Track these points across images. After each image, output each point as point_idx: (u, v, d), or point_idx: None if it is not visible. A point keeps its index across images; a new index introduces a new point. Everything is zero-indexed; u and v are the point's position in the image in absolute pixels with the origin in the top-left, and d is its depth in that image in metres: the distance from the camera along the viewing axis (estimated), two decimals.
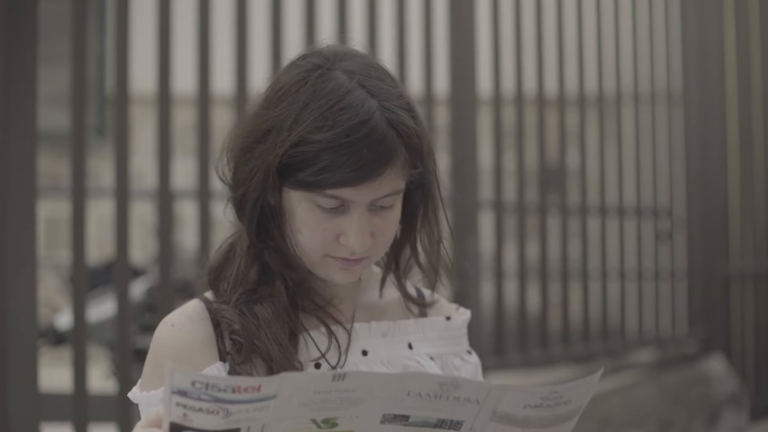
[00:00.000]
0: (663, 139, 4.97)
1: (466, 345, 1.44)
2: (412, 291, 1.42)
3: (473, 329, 3.80)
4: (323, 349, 1.28)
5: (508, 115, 4.07)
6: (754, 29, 5.42)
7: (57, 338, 5.20)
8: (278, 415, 1.03)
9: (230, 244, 1.33)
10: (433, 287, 1.41)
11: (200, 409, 1.00)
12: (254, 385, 1.00)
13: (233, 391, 0.99)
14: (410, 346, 1.36)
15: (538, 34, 4.18)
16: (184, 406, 1.00)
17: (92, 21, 6.74)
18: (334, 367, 1.27)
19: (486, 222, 3.87)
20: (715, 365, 4.94)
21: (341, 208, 1.23)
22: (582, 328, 4.35)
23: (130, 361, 2.57)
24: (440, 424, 1.08)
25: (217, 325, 1.28)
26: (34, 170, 2.24)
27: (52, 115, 5.37)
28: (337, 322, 1.31)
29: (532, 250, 4.16)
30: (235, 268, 1.30)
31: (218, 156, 1.31)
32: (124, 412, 2.53)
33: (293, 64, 1.28)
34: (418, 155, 1.26)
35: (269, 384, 1.00)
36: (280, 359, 1.23)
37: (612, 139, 4.69)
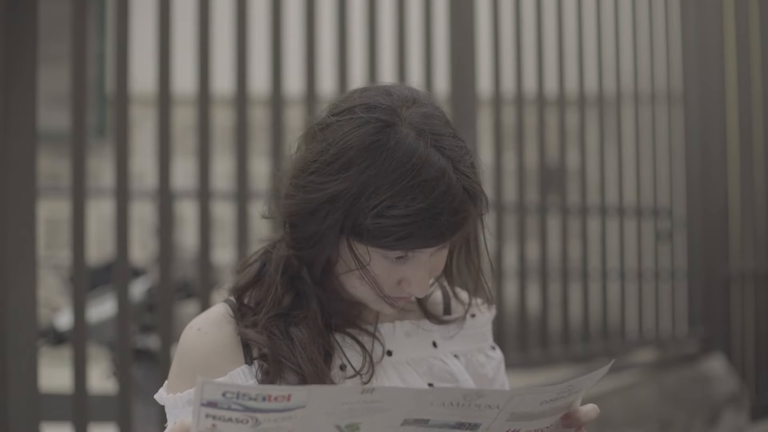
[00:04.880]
0: (663, 139, 4.97)
1: (490, 341, 1.45)
2: (437, 299, 1.42)
3: None
4: (357, 362, 1.30)
5: (508, 115, 4.07)
6: (754, 29, 5.41)
7: (57, 338, 5.20)
8: (305, 424, 1.05)
9: (262, 264, 1.33)
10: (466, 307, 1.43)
11: (230, 419, 1.02)
12: (284, 394, 1.01)
13: (264, 399, 1.01)
14: (434, 345, 1.37)
15: (538, 34, 4.18)
16: (214, 417, 1.02)
17: (92, 21, 6.74)
18: (362, 376, 1.29)
19: (486, 222, 3.87)
20: (715, 365, 4.94)
21: (404, 257, 1.24)
22: (582, 328, 4.35)
23: (130, 361, 2.57)
24: (459, 426, 1.11)
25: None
26: (34, 170, 2.24)
27: (52, 115, 5.37)
28: (364, 330, 1.33)
29: (532, 250, 4.15)
30: (269, 291, 1.31)
31: (272, 199, 1.32)
32: (124, 412, 2.53)
33: (356, 117, 1.24)
34: (482, 209, 1.28)
35: (299, 394, 1.02)
36: (314, 379, 1.25)
37: (612, 139, 4.69)
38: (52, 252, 6.42)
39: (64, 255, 5.68)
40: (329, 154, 1.23)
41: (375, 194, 1.19)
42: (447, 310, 1.42)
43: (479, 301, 1.45)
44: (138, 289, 4.72)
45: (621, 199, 4.69)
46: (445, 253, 1.29)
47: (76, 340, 2.46)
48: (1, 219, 2.18)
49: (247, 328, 1.29)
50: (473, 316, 1.43)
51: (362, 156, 1.21)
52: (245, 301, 1.32)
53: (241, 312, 1.31)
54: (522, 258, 4.04)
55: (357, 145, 1.22)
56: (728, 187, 5.28)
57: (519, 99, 4.08)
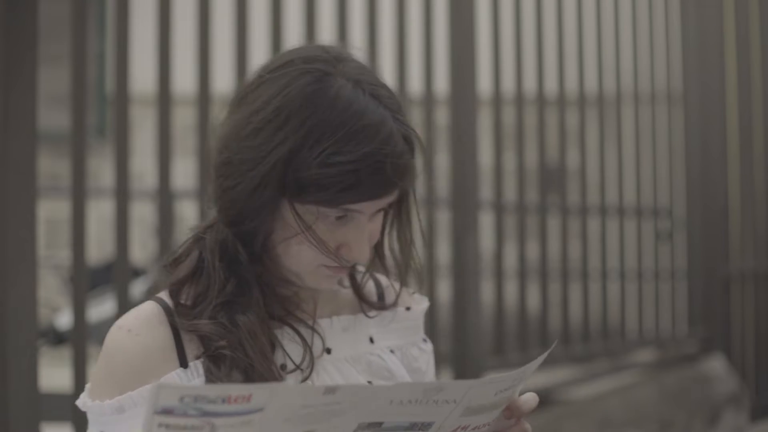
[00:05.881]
0: (663, 139, 4.98)
1: (422, 333, 1.43)
2: (371, 289, 1.40)
3: (473, 329, 3.79)
4: (296, 356, 1.26)
5: (508, 115, 4.07)
6: (754, 29, 5.42)
7: (57, 338, 5.21)
8: (262, 431, 1.00)
9: (198, 255, 1.27)
10: (400, 285, 1.40)
11: (184, 427, 0.96)
12: (245, 394, 0.97)
13: (223, 401, 0.96)
14: (371, 340, 1.35)
15: (538, 34, 4.18)
16: (167, 426, 0.96)
17: (92, 21, 6.74)
18: (303, 371, 1.25)
19: (486, 222, 3.87)
20: (715, 365, 4.94)
21: (344, 219, 1.22)
22: (582, 328, 4.35)
23: None
24: (411, 427, 1.09)
25: (176, 328, 1.23)
26: (34, 170, 2.24)
27: (52, 115, 5.37)
28: (303, 322, 1.29)
29: (532, 250, 4.15)
30: (210, 280, 1.24)
31: (212, 171, 1.26)
32: None
33: (294, 68, 1.22)
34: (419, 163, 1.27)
35: (260, 393, 0.98)
36: (263, 370, 1.20)
37: (612, 139, 4.69)
38: (52, 252, 6.42)
39: (64, 255, 5.68)
40: (268, 110, 1.20)
41: (318, 143, 1.17)
42: (381, 301, 1.40)
43: (411, 291, 1.43)
44: (138, 289, 4.73)
45: (621, 199, 4.69)
46: (381, 220, 1.26)
47: (76, 340, 2.46)
48: (1, 219, 2.18)
49: (193, 320, 1.22)
50: (408, 308, 1.41)
51: (303, 106, 1.18)
52: (182, 299, 1.25)
53: (177, 311, 1.24)
54: (522, 258, 4.04)
55: (297, 94, 1.19)
56: (728, 187, 5.28)
57: (519, 99, 4.08)
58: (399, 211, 1.31)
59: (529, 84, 4.14)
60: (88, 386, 1.25)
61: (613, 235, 4.62)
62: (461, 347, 3.55)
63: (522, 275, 4.04)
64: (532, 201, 4.22)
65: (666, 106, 5.00)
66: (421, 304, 1.44)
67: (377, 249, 1.33)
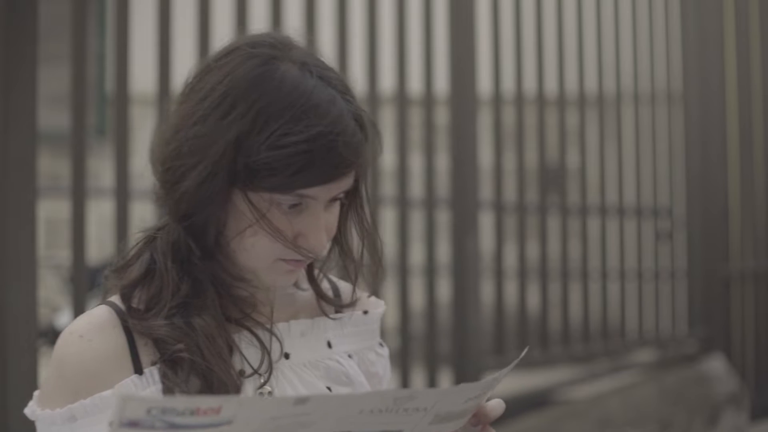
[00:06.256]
0: (663, 139, 4.98)
1: (378, 338, 1.39)
2: (327, 288, 1.37)
3: (473, 329, 3.79)
4: (254, 360, 1.22)
5: (508, 115, 4.07)
6: (754, 29, 5.41)
7: (57, 338, 5.19)
8: None
9: (150, 256, 1.22)
10: (354, 281, 1.35)
11: None
12: (214, 407, 0.92)
13: (192, 413, 0.92)
14: (329, 345, 1.31)
15: (538, 34, 4.18)
16: None
17: (92, 21, 6.74)
18: (261, 376, 1.22)
19: (486, 222, 3.87)
20: (715, 365, 4.93)
21: (299, 207, 1.18)
22: (582, 328, 4.35)
23: None
24: None
25: (130, 333, 1.19)
26: (34, 170, 2.24)
27: (52, 115, 5.36)
28: (261, 325, 1.25)
29: (532, 250, 4.15)
30: (163, 282, 1.20)
31: (154, 166, 1.21)
32: None
33: (240, 53, 1.19)
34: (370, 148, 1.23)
35: (229, 405, 0.94)
36: (223, 374, 1.17)
37: (612, 139, 4.69)
38: (52, 252, 6.42)
39: (64, 255, 5.68)
40: (214, 97, 1.17)
41: (267, 125, 1.14)
42: (338, 298, 1.37)
43: (367, 294, 1.40)
44: None
45: (621, 199, 4.69)
46: (337, 211, 1.23)
47: None
48: (1, 219, 2.18)
49: (148, 325, 1.18)
50: (365, 312, 1.37)
51: (249, 89, 1.16)
52: (134, 303, 1.20)
53: (130, 315, 1.19)
54: (522, 258, 4.04)
55: (243, 78, 1.16)
56: (728, 187, 5.28)
57: (519, 99, 4.08)
58: (355, 206, 1.27)
59: (529, 84, 4.14)
60: (36, 394, 1.21)
61: (613, 235, 4.62)
62: (461, 347, 3.55)
63: (522, 275, 4.04)
64: (532, 201, 4.22)
65: (666, 106, 5.00)
66: (378, 307, 1.40)
67: (340, 245, 1.29)
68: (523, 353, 1.23)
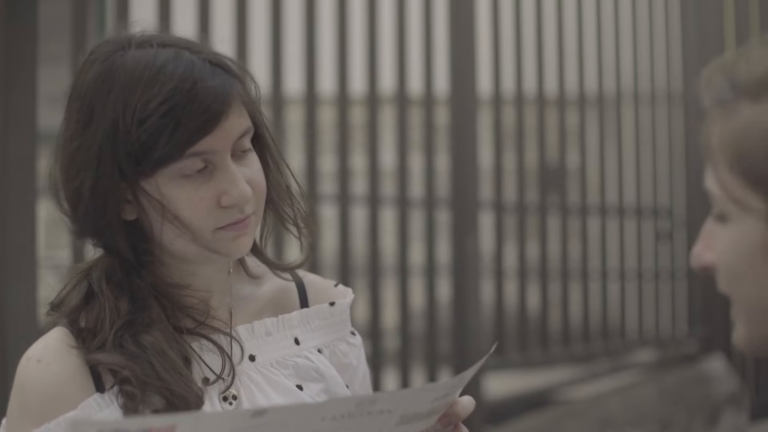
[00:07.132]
0: (663, 139, 4.97)
1: (349, 327, 1.37)
2: (293, 297, 1.34)
3: (473, 329, 3.79)
4: (216, 366, 1.21)
5: (508, 115, 4.07)
6: (754, 29, 5.41)
7: None
8: None
9: (87, 285, 1.22)
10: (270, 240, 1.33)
11: None
12: (168, 424, 0.91)
13: None
14: (297, 341, 1.29)
15: (538, 34, 4.18)
16: None
17: (92, 21, 6.74)
18: (224, 380, 1.21)
19: (486, 222, 3.87)
20: (715, 365, 4.93)
21: (207, 169, 1.17)
22: (582, 328, 4.35)
23: None
24: None
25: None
26: (34, 170, 2.24)
27: (52, 115, 5.37)
28: (219, 330, 1.23)
29: (532, 250, 4.15)
30: (102, 304, 1.19)
31: (59, 201, 1.21)
32: None
33: (87, 62, 1.21)
34: (248, 89, 1.23)
35: (185, 422, 0.93)
36: (180, 388, 1.16)
37: (612, 139, 4.69)
38: (52, 252, 6.41)
39: (64, 255, 5.68)
40: (74, 115, 1.20)
41: (127, 107, 1.15)
42: (304, 301, 1.34)
43: (333, 283, 1.38)
44: None
45: (621, 199, 4.69)
46: (255, 162, 1.21)
47: None
48: (1, 219, 2.18)
49: (95, 352, 1.17)
50: (332, 303, 1.34)
51: (100, 88, 1.17)
52: (81, 324, 1.19)
53: (81, 337, 1.18)
54: (522, 258, 4.04)
55: (90, 81, 1.18)
56: None
57: (519, 99, 4.08)
58: (265, 156, 1.25)
59: (529, 84, 4.14)
60: (3, 422, 1.21)
61: (613, 235, 4.62)
62: (461, 347, 3.55)
63: (522, 275, 4.04)
64: (532, 201, 4.22)
65: (666, 106, 5.00)
66: (345, 296, 1.37)
67: (272, 203, 1.26)
68: (490, 351, 1.22)
